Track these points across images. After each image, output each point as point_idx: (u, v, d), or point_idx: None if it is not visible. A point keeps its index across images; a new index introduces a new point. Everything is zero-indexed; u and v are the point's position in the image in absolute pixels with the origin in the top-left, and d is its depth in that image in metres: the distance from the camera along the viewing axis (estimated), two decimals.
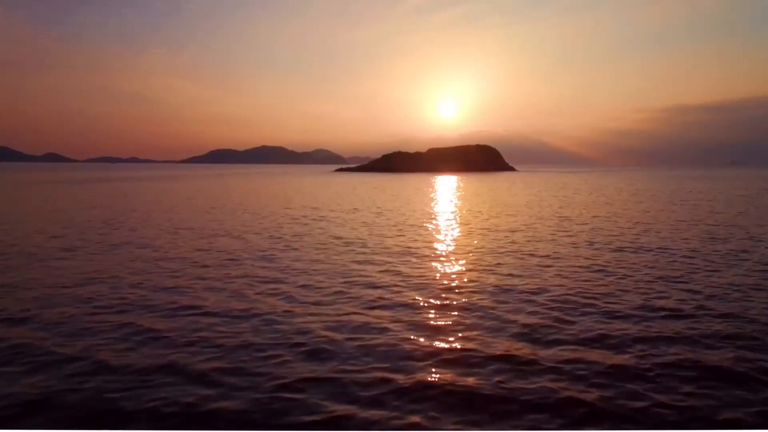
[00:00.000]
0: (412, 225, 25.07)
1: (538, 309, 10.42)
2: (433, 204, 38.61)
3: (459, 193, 52.49)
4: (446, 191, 56.79)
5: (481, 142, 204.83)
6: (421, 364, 7.77)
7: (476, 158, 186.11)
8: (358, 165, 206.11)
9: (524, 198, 44.62)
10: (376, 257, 16.84)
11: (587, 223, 25.35)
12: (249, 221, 26.42)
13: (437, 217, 29.04)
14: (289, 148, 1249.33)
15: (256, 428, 6.12)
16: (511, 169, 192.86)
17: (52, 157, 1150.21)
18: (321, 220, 26.97)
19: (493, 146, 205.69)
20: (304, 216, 29.04)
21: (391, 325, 9.43)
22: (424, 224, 25.61)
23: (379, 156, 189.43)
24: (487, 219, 28.00)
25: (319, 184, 74.04)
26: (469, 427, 6.12)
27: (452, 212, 32.19)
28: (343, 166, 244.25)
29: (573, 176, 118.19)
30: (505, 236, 21.47)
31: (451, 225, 25.56)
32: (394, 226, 24.76)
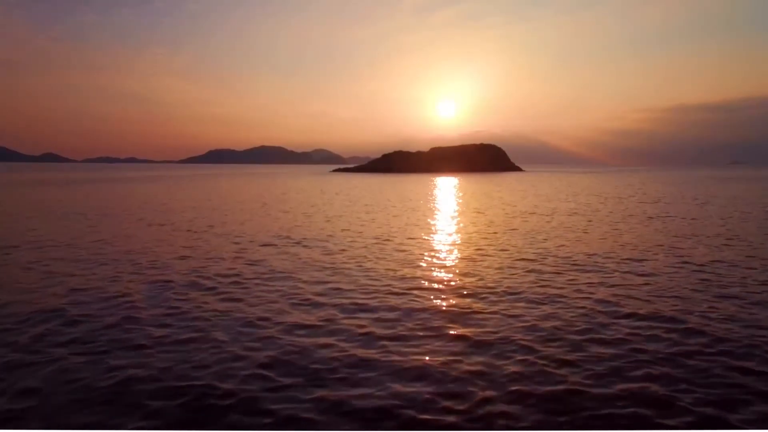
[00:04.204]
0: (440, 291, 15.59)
1: None
2: (462, 224, 29.06)
3: (484, 202, 42.99)
4: (464, 198, 47.22)
5: (483, 142, 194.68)
6: None
7: (481, 158, 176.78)
8: (357, 165, 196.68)
9: (571, 206, 35.18)
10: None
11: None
12: (172, 251, 17.00)
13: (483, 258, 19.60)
14: (288, 148, 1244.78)
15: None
16: (518, 169, 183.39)
17: (50, 157, 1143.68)
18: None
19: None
20: (252, 249, 19.61)
21: None
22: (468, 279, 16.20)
23: (379, 156, 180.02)
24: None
25: (308, 188, 64.59)
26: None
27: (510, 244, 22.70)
28: (341, 166, 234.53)
29: (587, 177, 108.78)
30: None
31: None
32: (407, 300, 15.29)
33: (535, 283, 12.71)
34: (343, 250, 17.54)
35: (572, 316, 9.97)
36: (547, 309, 10.50)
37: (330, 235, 20.87)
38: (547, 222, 25.65)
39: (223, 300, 11.15)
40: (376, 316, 10.08)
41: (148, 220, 26.27)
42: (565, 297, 11.37)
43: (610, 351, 8.12)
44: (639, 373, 7.30)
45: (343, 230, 22.54)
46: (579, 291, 11.89)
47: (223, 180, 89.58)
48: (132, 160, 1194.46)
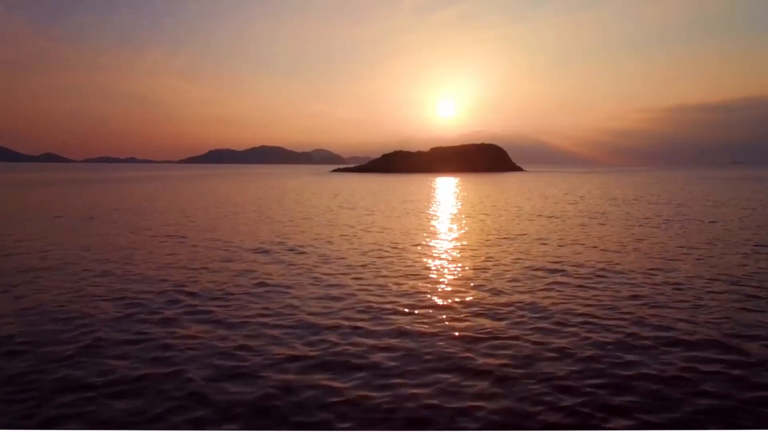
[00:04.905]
0: None
1: None
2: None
3: (489, 204, 41.41)
4: (467, 200, 45.66)
5: (483, 142, 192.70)
6: None
7: (481, 158, 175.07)
8: (356, 165, 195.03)
9: (580, 208, 33.62)
10: None
11: None
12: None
13: None
14: (288, 148, 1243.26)
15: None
16: (519, 169, 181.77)
17: (50, 158, 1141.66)
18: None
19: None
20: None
21: None
22: None
23: (378, 156, 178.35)
24: None
25: (306, 189, 63.03)
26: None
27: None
28: (341, 166, 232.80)
29: (590, 177, 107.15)
30: None
31: None
32: None
33: (559, 298, 11.17)
34: (342, 258, 16.00)
35: (610, 343, 8.44)
36: (578, 332, 8.97)
37: (328, 242, 19.33)
38: (558, 226, 24.11)
39: (200, 322, 9.62)
40: (378, 342, 8.55)
41: (134, 223, 24.73)
42: (595, 317, 9.83)
43: (671, 393, 6.59)
44: (715, 427, 5.76)
45: (341, 235, 21.01)
46: (610, 309, 10.35)
47: (220, 180, 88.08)
48: (132, 160, 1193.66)
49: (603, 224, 24.72)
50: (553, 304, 10.76)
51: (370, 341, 8.64)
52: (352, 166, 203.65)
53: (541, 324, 9.49)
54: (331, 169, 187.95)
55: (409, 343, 8.52)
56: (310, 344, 8.50)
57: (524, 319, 9.76)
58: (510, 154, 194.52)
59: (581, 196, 45.37)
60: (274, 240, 19.53)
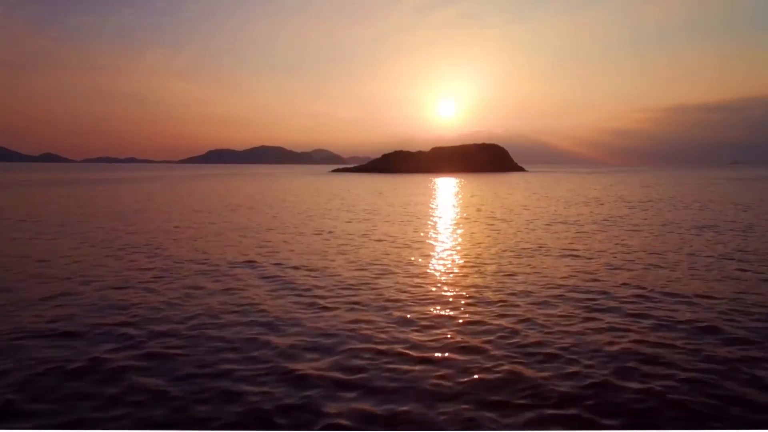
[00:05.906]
0: None
1: None
2: None
3: (496, 207, 38.94)
4: (472, 203, 43.21)
5: (483, 141, 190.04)
6: None
7: (483, 158, 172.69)
8: (356, 165, 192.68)
9: (596, 212, 31.18)
10: None
11: None
12: None
13: None
14: (288, 148, 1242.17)
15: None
16: (520, 169, 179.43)
17: (50, 158, 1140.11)
18: None
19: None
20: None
21: None
22: None
23: (378, 156, 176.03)
24: None
25: (304, 190, 60.60)
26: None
27: None
28: (341, 166, 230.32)
29: (593, 177, 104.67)
30: None
31: None
32: None
33: (614, 336, 8.74)
34: (336, 275, 13.58)
35: (710, 415, 6.04)
36: (656, 392, 6.57)
37: (322, 254, 16.91)
38: (579, 234, 21.67)
39: (149, 374, 7.21)
40: (380, 410, 6.19)
41: (110, 230, 22.29)
42: (673, 366, 7.43)
43: None
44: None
45: (339, 245, 18.59)
46: (687, 353, 7.93)
47: (219, 181, 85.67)
48: (132, 160, 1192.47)
49: (629, 231, 22.31)
50: (609, 343, 8.35)
51: (370, 407, 6.27)
52: (352, 166, 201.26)
53: (601, 376, 7.10)
54: (331, 169, 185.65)
55: (424, 413, 6.14)
56: (288, 414, 6.13)
57: (576, 370, 7.36)
58: (511, 154, 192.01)
59: (595, 198, 42.95)
60: (261, 252, 17.12)
